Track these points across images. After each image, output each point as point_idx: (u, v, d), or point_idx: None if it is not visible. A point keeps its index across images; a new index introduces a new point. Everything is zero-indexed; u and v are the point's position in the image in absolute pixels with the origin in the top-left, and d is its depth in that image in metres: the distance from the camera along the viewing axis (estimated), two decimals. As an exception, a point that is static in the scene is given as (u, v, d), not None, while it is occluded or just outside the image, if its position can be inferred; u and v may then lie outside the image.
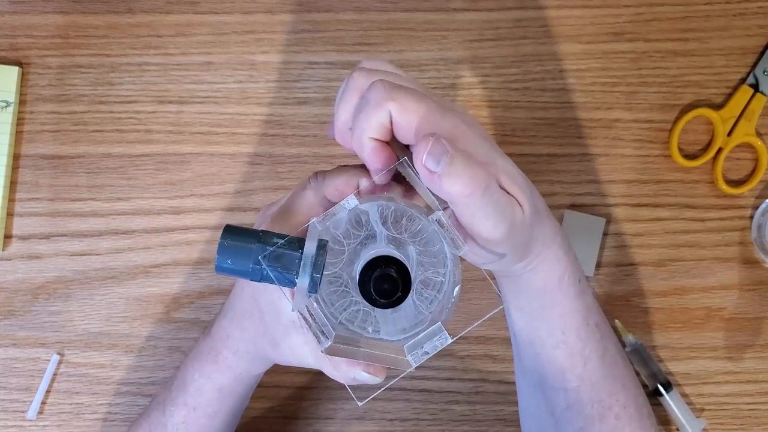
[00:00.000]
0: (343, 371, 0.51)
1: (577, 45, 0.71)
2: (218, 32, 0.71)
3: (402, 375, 0.48)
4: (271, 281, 0.47)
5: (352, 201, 0.48)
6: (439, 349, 0.47)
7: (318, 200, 0.52)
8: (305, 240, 0.46)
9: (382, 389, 0.51)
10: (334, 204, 0.49)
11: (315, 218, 0.47)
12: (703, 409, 0.69)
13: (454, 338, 0.47)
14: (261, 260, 0.47)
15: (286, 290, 0.49)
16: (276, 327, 0.53)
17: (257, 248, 0.47)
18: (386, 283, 0.47)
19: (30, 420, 0.68)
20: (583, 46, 0.71)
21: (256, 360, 0.58)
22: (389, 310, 0.48)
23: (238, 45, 0.71)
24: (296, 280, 0.46)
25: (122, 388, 0.69)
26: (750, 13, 0.71)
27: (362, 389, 0.50)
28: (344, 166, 0.52)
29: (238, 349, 0.57)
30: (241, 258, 0.47)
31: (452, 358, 0.69)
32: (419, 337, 0.48)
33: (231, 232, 0.48)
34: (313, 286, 0.46)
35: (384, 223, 0.50)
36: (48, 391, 0.68)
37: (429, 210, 0.49)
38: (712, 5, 0.71)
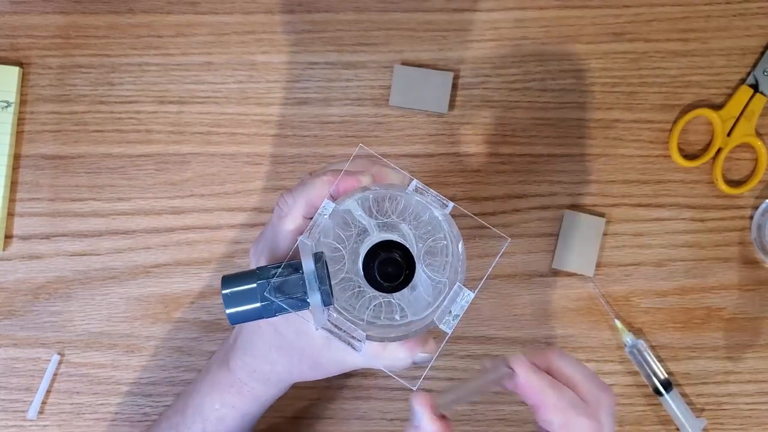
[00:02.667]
0: (401, 358, 0.51)
1: (577, 45, 0.71)
2: (218, 32, 0.71)
3: (438, 351, 0.49)
4: (286, 311, 0.47)
5: (329, 206, 0.48)
6: (466, 308, 0.47)
7: (297, 224, 0.52)
8: (301, 260, 0.46)
9: (428, 368, 0.52)
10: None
11: (301, 236, 0.47)
12: (703, 409, 0.69)
13: (476, 290, 0.47)
14: (267, 296, 0.47)
15: (305, 312, 0.49)
16: (312, 349, 0.54)
17: (259, 286, 0.48)
18: (390, 266, 0.48)
19: (30, 420, 0.68)
20: (584, 47, 0.71)
21: (287, 383, 0.60)
22: (407, 292, 0.49)
23: (238, 45, 0.71)
24: (308, 300, 0.46)
25: (123, 388, 0.69)
26: (750, 13, 0.71)
27: (406, 378, 0.50)
28: (308, 178, 0.53)
29: (268, 379, 0.58)
30: (248, 301, 0.48)
31: (452, 358, 0.69)
32: (444, 303, 0.48)
33: (229, 280, 0.48)
34: (327, 299, 0.46)
35: (369, 213, 0.50)
36: (48, 391, 0.68)
37: (403, 186, 0.49)
38: (713, 5, 0.71)
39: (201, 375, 0.62)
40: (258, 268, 0.49)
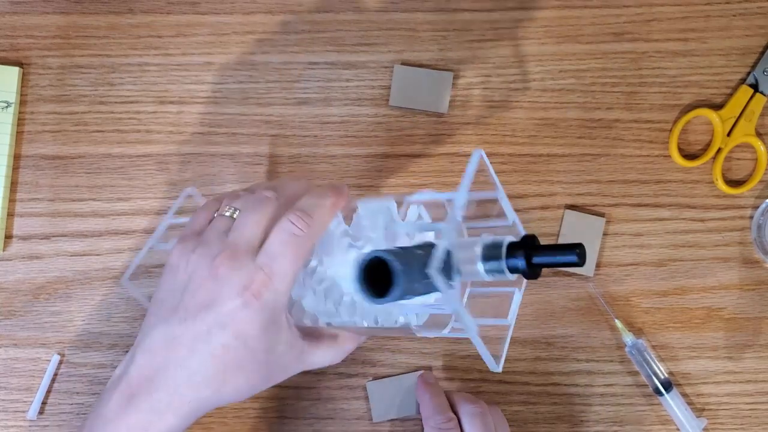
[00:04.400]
0: (349, 349, 0.59)
1: (577, 45, 0.71)
2: (218, 33, 0.71)
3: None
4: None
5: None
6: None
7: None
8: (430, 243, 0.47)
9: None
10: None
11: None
12: (703, 409, 0.69)
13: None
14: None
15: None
16: (288, 356, 0.54)
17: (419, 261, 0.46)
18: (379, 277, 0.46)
19: (30, 420, 0.68)
20: (583, 47, 0.71)
21: (217, 405, 0.54)
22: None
23: (238, 45, 0.71)
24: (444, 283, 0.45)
25: (123, 388, 0.69)
26: (750, 13, 0.71)
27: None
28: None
29: (198, 407, 0.53)
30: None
31: (453, 358, 0.69)
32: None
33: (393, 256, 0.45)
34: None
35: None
36: (48, 391, 0.68)
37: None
38: (712, 5, 0.71)
39: (98, 422, 0.52)
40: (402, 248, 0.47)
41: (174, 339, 0.51)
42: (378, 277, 0.46)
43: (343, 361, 0.59)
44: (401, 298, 0.45)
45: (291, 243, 0.51)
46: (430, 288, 0.47)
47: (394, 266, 0.45)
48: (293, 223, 0.51)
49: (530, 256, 0.46)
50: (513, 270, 0.46)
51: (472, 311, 0.47)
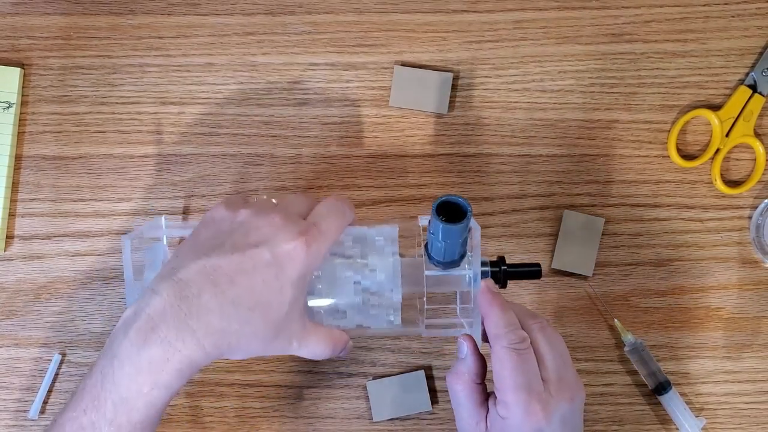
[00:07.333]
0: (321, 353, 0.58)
1: (576, 46, 0.71)
2: (219, 34, 0.71)
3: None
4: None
5: None
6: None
7: None
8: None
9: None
10: None
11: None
12: (701, 409, 0.69)
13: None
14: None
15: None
16: (279, 310, 0.53)
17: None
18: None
19: (32, 419, 0.68)
20: (582, 47, 0.71)
21: (225, 352, 0.53)
22: None
23: (238, 46, 0.71)
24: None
25: (124, 387, 0.69)
26: (748, 14, 0.71)
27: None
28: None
29: (218, 344, 0.52)
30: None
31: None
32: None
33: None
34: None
35: None
36: (50, 391, 0.69)
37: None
38: (711, 6, 0.71)
39: (112, 362, 0.51)
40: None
41: (215, 270, 0.51)
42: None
43: (342, 360, 0.59)
44: (462, 234, 0.54)
45: (336, 211, 0.56)
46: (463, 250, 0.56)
47: (465, 205, 0.53)
48: (335, 199, 0.57)
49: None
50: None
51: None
